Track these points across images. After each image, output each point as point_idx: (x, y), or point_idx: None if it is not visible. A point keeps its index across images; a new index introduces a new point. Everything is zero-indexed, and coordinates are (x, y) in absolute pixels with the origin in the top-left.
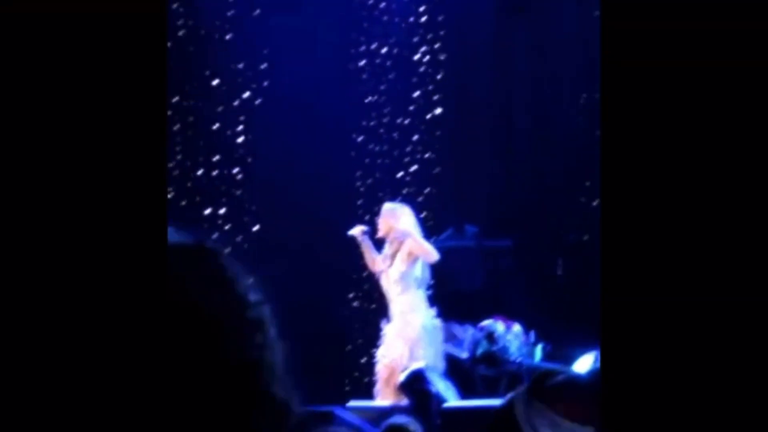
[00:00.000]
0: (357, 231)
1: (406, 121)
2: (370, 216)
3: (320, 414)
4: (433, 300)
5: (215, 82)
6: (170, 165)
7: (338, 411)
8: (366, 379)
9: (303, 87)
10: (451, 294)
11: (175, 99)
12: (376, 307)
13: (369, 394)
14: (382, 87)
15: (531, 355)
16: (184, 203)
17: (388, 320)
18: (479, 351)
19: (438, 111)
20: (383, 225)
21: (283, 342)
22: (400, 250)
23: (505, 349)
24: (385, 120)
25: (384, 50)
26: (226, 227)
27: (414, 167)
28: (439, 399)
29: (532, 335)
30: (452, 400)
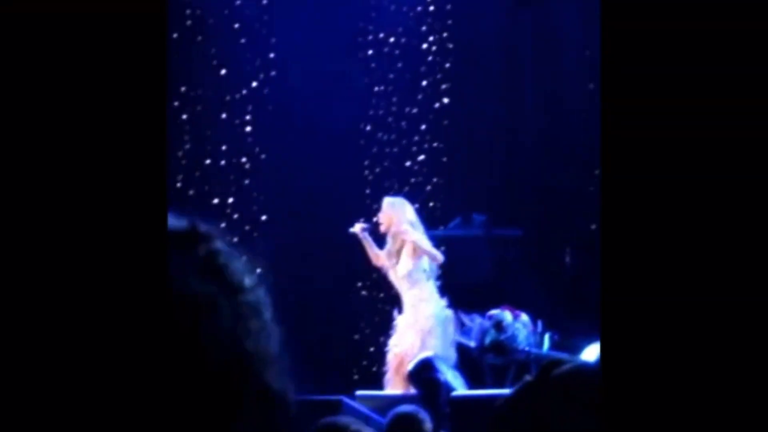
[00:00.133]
0: (357, 228)
1: (414, 110)
2: (377, 205)
3: (328, 403)
4: (441, 290)
5: (223, 71)
6: (178, 154)
7: (346, 400)
8: (374, 369)
9: (311, 76)
10: (459, 283)
11: (183, 89)
12: (385, 296)
13: (377, 384)
14: (390, 76)
15: (539, 344)
16: (192, 192)
17: (400, 311)
18: (487, 340)
19: (446, 100)
20: (384, 220)
21: (278, 327)
22: (404, 247)
23: (513, 338)
24: (393, 109)
25: (392, 39)
26: (235, 216)
27: (422, 156)
28: (448, 388)
29: (540, 324)
30: (460, 389)
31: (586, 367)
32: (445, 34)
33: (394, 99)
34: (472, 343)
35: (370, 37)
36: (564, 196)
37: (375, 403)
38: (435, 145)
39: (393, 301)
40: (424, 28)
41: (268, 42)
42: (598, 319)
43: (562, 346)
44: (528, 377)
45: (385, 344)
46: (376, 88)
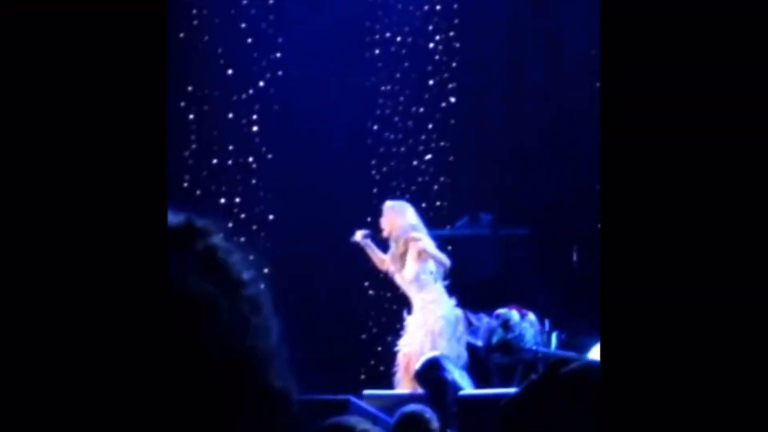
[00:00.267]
0: (358, 236)
1: (421, 110)
2: (380, 210)
3: (336, 403)
4: (449, 289)
5: (229, 71)
6: (185, 154)
7: (354, 400)
8: (382, 368)
9: (317, 76)
10: (467, 282)
11: (190, 88)
12: (392, 296)
13: (385, 383)
14: (397, 75)
15: (546, 343)
16: (199, 192)
17: (409, 312)
18: (495, 339)
19: (453, 99)
20: (385, 224)
21: (278, 321)
22: (409, 250)
23: (520, 337)
24: (399, 108)
25: (398, 38)
26: (242, 216)
27: (429, 156)
28: (455, 387)
29: (547, 323)
30: (468, 388)
31: (592, 366)
32: (451, 34)
33: (401, 98)
34: (480, 343)
35: (377, 37)
36: (571, 194)
37: (382, 402)
38: (442, 144)
39: (400, 300)
40: (430, 27)
41: (274, 42)
42: (598, 318)
43: (570, 345)
44: (534, 376)
45: (392, 344)
46: (383, 88)
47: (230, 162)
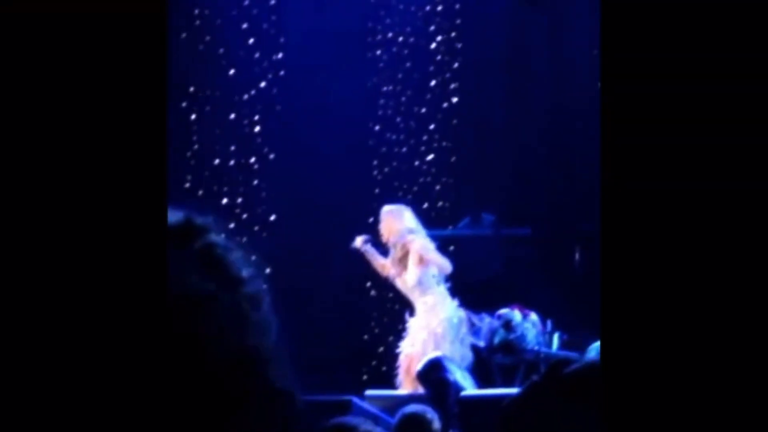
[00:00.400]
0: (358, 242)
1: (423, 110)
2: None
3: (338, 403)
4: (451, 290)
5: (231, 72)
6: (187, 155)
7: (356, 400)
8: (384, 368)
9: (319, 76)
10: (468, 283)
11: (191, 89)
12: (394, 296)
13: (387, 384)
14: (399, 76)
15: (548, 343)
16: (201, 193)
17: (412, 314)
18: (496, 339)
19: (454, 100)
20: (384, 229)
21: (277, 319)
22: (410, 255)
23: (522, 338)
24: (401, 109)
25: (400, 39)
26: (244, 216)
27: (431, 156)
28: (457, 387)
29: (549, 324)
30: (469, 388)
31: (593, 366)
32: (453, 34)
33: (403, 99)
34: (482, 343)
35: (379, 37)
36: (573, 195)
37: (385, 403)
38: (444, 144)
39: (402, 301)
40: (432, 27)
41: (276, 42)
42: (598, 318)
43: (572, 346)
44: (536, 377)
45: (394, 344)
46: (385, 88)
47: (232, 162)
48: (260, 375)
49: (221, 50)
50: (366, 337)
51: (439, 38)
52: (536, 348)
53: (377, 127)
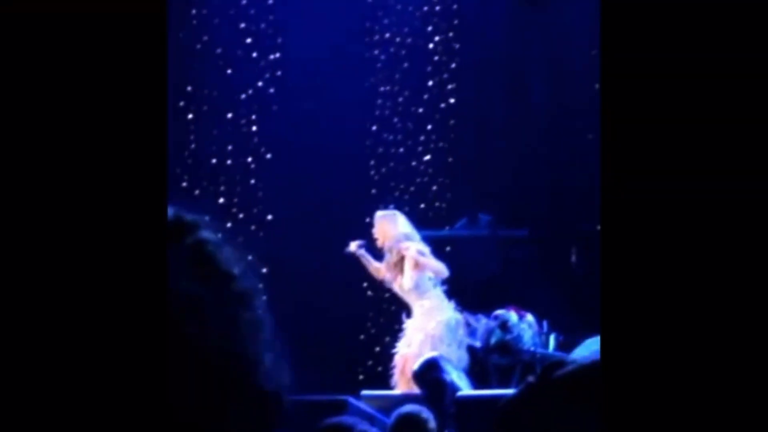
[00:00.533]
0: (352, 247)
1: (420, 111)
2: (383, 206)
3: (334, 403)
4: (447, 292)
5: (228, 71)
6: (184, 154)
7: (352, 400)
8: (380, 369)
9: (316, 76)
10: (465, 283)
11: (189, 88)
12: (390, 297)
13: (383, 384)
14: (397, 76)
15: (544, 344)
16: (197, 192)
17: (408, 315)
18: (493, 340)
19: (452, 100)
20: (378, 234)
21: (270, 316)
22: (405, 260)
23: (518, 339)
24: (399, 109)
25: (398, 39)
26: (240, 216)
27: (428, 156)
28: (453, 388)
29: (546, 325)
30: (466, 389)
31: (590, 367)
32: (451, 34)
33: (400, 99)
34: (478, 344)
35: (376, 37)
36: (571, 195)
37: (380, 403)
38: (441, 145)
39: (399, 301)
40: (430, 28)
41: (273, 42)
42: (598, 318)
43: (568, 347)
44: (532, 377)
45: (391, 345)
46: (382, 88)
47: (229, 162)
48: (250, 372)
49: (219, 50)
50: (362, 337)
51: (436, 38)
52: (532, 349)
53: (374, 128)
